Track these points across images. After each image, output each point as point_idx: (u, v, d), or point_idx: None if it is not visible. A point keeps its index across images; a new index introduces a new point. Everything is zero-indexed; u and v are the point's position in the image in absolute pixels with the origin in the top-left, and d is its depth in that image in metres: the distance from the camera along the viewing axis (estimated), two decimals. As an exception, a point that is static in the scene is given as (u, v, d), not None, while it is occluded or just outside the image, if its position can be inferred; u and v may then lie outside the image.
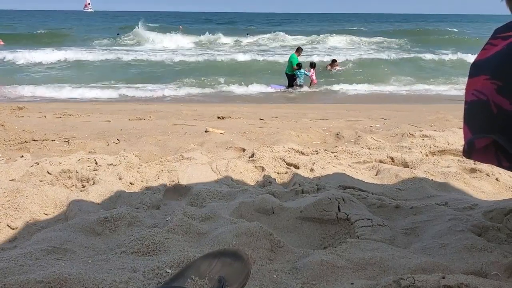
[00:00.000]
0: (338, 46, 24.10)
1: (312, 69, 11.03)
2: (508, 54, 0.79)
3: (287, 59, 11.13)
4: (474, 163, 2.38)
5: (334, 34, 28.16)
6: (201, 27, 37.32)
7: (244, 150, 3.09)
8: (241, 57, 16.64)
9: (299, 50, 11.16)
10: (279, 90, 10.86)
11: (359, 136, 3.47)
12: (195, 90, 10.79)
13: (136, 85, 11.17)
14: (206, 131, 4.01)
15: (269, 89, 10.87)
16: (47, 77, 12.44)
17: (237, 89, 10.97)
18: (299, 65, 10.68)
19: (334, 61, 14.28)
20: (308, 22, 57.44)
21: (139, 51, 19.54)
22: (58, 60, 15.40)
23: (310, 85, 11.01)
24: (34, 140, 3.44)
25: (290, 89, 10.79)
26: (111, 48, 20.75)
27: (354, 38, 26.96)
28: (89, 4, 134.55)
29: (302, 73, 10.68)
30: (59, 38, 25.24)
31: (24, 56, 15.58)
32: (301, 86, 10.73)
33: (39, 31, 28.67)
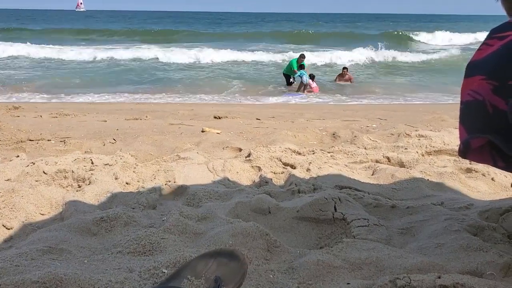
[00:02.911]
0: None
1: (312, 81, 10.95)
2: (504, 55, 0.80)
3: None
4: (470, 163, 2.40)
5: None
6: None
7: (240, 150, 3.09)
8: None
9: (302, 56, 11.28)
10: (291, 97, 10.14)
11: (355, 136, 3.48)
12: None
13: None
14: (202, 131, 4.01)
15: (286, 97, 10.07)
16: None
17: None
18: (302, 67, 10.82)
19: (344, 68, 11.83)
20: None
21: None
22: None
23: (311, 91, 10.87)
24: (30, 140, 3.43)
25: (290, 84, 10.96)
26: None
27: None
28: (81, 3, 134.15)
29: (304, 73, 10.76)
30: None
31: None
32: (293, 82, 10.79)
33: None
